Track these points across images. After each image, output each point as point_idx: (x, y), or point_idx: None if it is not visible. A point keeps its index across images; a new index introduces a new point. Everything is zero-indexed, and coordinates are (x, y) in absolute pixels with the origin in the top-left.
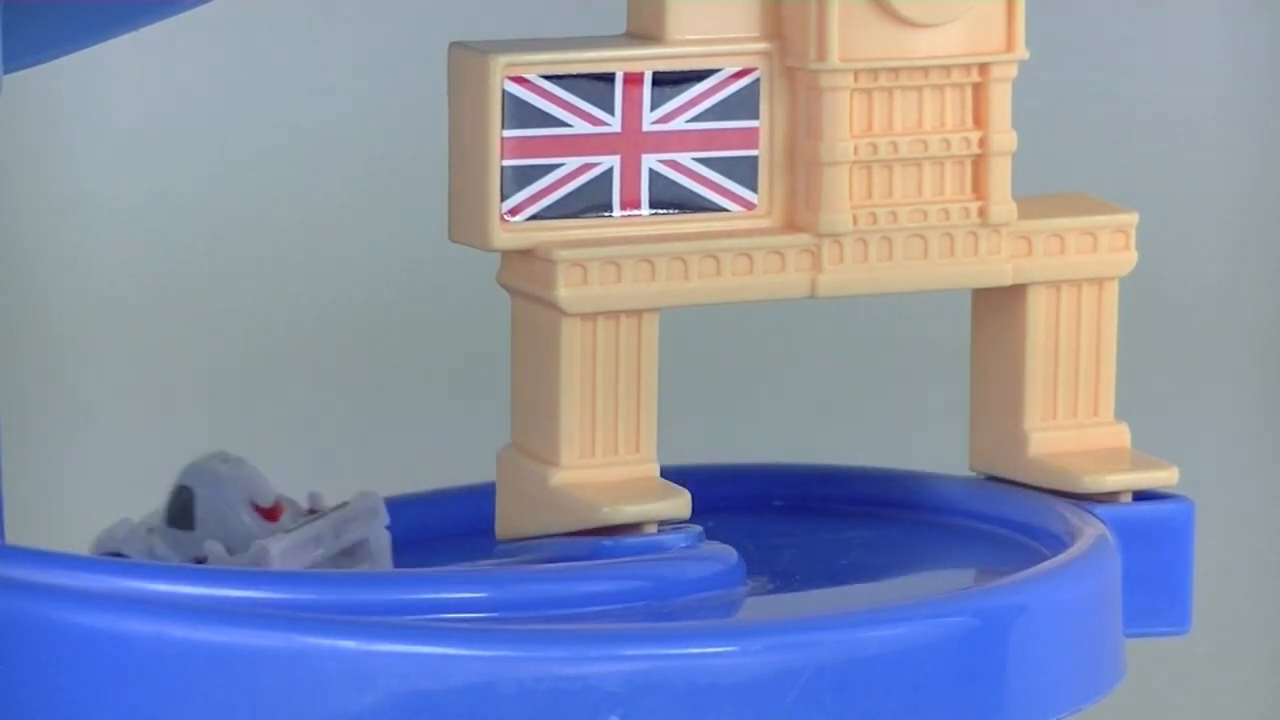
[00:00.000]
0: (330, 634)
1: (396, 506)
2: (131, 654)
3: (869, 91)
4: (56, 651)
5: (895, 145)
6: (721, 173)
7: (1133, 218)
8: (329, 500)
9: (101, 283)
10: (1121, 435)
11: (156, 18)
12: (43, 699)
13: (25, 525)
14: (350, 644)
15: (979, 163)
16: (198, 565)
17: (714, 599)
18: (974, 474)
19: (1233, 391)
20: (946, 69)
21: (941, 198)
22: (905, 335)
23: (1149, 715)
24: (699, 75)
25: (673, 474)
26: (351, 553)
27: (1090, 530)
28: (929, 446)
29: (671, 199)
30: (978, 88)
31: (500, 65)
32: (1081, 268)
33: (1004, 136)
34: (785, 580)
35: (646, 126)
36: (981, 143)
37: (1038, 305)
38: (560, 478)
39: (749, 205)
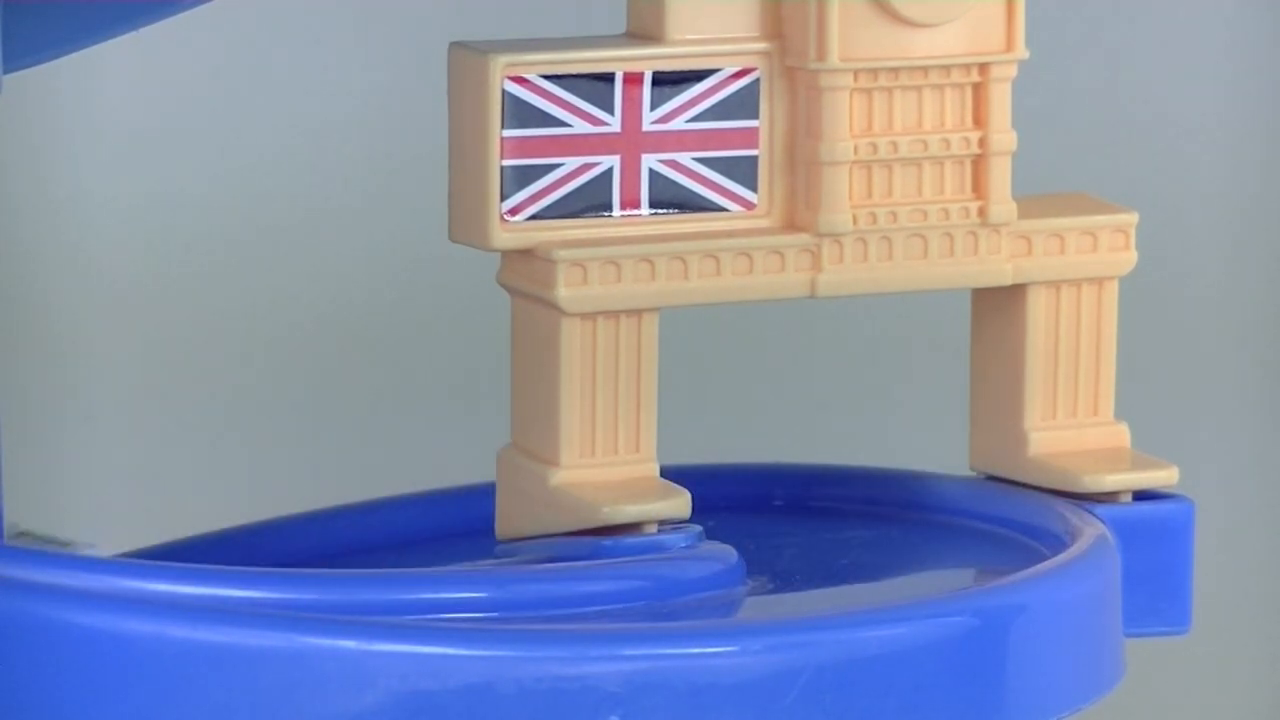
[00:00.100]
0: (330, 634)
1: (396, 506)
2: (131, 654)
3: (869, 91)
4: (56, 651)
5: (895, 145)
6: (721, 172)
7: (1133, 218)
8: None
9: (101, 283)
10: (1121, 435)
11: (156, 18)
12: (43, 699)
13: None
14: (350, 644)
15: (979, 163)
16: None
17: (714, 599)
18: (974, 474)
19: (1233, 391)
20: (946, 69)
21: (941, 197)
22: (905, 335)
23: (1149, 715)
24: (699, 75)
25: (673, 474)
26: None
27: (1090, 530)
28: (929, 446)
29: (671, 199)
30: (978, 88)
31: (500, 65)
32: (1081, 268)
33: (1004, 136)
34: (785, 580)
35: (646, 126)
36: (981, 143)
37: (1038, 305)
38: (560, 477)
39: (749, 205)
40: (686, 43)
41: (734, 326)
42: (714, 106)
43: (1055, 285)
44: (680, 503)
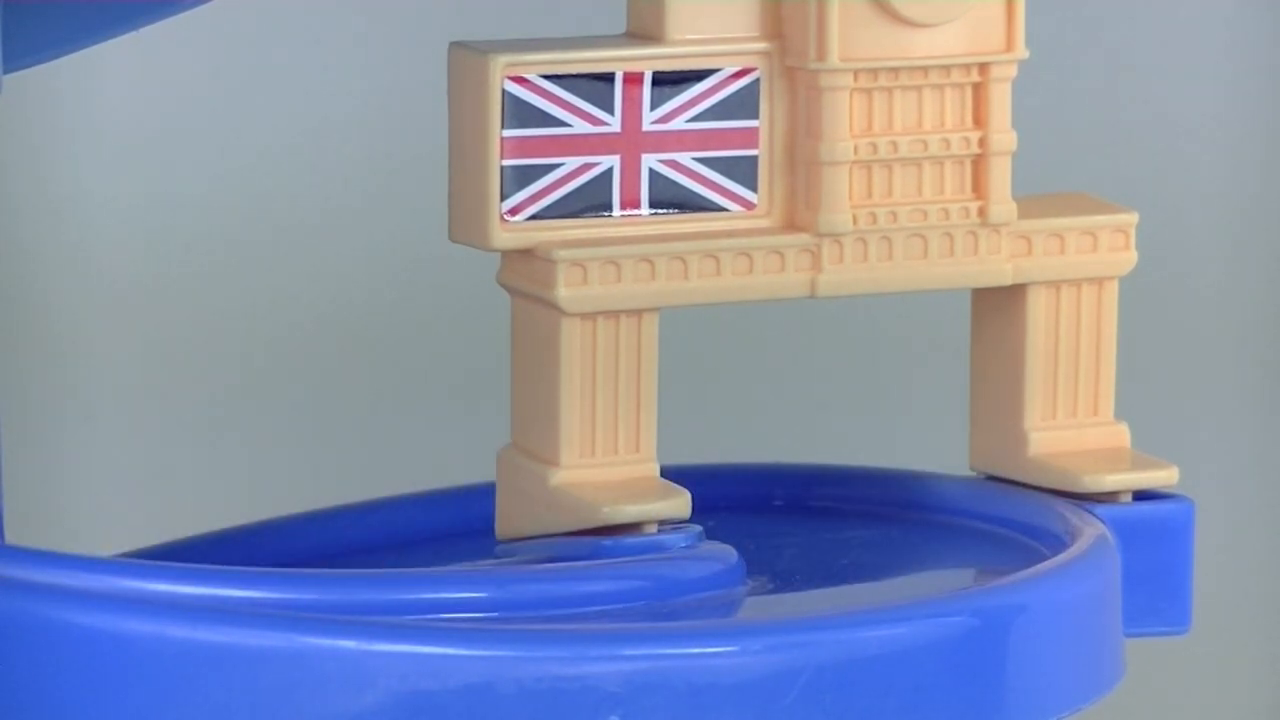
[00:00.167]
0: (330, 634)
1: (397, 506)
2: (131, 654)
3: (869, 91)
4: (56, 651)
5: (895, 145)
6: (721, 172)
7: (1132, 217)
8: None
9: (101, 283)
10: (1121, 435)
11: (156, 18)
12: (43, 699)
13: (25, 525)
14: (350, 644)
15: (979, 162)
16: (198, 565)
17: (714, 599)
18: (974, 474)
19: (1233, 391)
20: (946, 69)
21: (941, 197)
22: (905, 335)
23: (1149, 715)
24: (699, 75)
25: (673, 474)
26: None
27: (1090, 530)
28: (929, 446)
29: (671, 199)
30: (978, 88)
31: (500, 65)
32: (1081, 267)
33: (1004, 136)
34: (785, 580)
35: (646, 126)
36: (981, 142)
37: (1037, 305)
38: (560, 477)
39: (749, 205)
40: (686, 43)
41: (734, 326)
42: (714, 106)
43: (1055, 285)
44: (680, 503)
